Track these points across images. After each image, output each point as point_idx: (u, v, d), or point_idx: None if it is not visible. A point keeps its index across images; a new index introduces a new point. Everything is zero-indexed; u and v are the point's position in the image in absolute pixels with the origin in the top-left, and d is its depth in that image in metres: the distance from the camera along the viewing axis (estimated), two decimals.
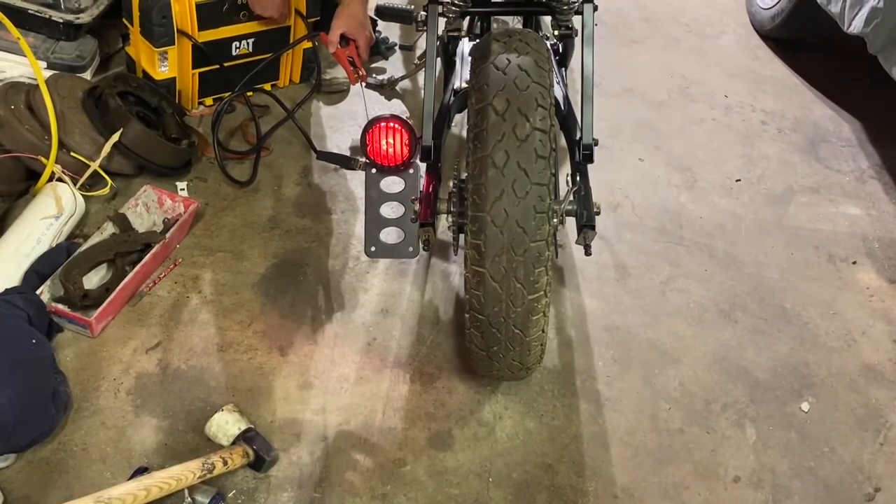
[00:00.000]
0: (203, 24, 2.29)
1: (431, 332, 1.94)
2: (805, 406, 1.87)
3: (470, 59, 1.65)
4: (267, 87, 2.57)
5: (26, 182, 2.08)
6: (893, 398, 1.91)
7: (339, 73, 2.57)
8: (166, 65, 2.31)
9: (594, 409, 1.80)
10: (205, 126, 2.40)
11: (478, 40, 1.78)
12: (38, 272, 1.83)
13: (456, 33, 1.94)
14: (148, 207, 2.10)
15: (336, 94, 2.64)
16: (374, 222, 1.74)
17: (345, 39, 2.18)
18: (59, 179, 2.01)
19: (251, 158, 2.32)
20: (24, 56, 2.09)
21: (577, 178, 1.68)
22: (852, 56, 2.85)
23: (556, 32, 1.91)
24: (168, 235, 1.98)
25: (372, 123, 1.66)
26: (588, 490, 1.65)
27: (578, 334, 1.97)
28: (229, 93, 2.41)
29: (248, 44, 2.42)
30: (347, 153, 2.38)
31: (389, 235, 1.78)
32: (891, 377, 1.96)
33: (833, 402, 1.89)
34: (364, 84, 2.42)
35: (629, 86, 2.90)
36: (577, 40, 1.88)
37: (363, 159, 1.83)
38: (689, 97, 2.89)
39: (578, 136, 1.69)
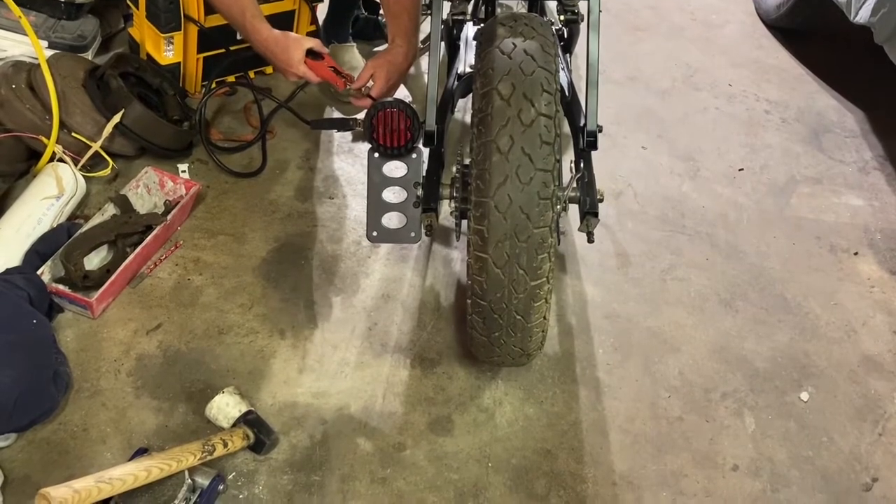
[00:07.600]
0: (210, 9, 2.27)
1: (432, 317, 1.93)
2: (804, 396, 1.87)
3: (475, 42, 1.64)
4: (269, 70, 2.56)
5: (27, 162, 2.07)
6: (892, 389, 1.91)
7: None
8: (172, 49, 2.29)
9: (594, 396, 1.81)
10: (207, 109, 2.39)
11: (483, 24, 1.76)
12: (38, 252, 1.82)
13: (461, 17, 1.92)
14: (149, 189, 2.09)
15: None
16: (377, 207, 1.73)
17: (315, 55, 2.01)
18: (60, 160, 2.00)
19: (257, 145, 2.31)
20: (26, 35, 2.07)
21: (581, 165, 1.67)
22: (858, 46, 2.83)
23: (561, 17, 1.90)
24: (169, 217, 1.97)
25: (376, 107, 1.65)
26: (587, 476, 1.65)
27: (579, 322, 1.96)
28: (233, 76, 2.39)
29: None
30: (348, 141, 2.36)
31: (391, 220, 1.77)
32: (890, 368, 1.96)
33: (832, 392, 1.89)
34: (350, 86, 2.09)
35: (633, 73, 2.89)
36: (582, 26, 1.87)
37: (360, 117, 1.75)
38: (693, 86, 2.88)
39: (582, 122, 1.68)
